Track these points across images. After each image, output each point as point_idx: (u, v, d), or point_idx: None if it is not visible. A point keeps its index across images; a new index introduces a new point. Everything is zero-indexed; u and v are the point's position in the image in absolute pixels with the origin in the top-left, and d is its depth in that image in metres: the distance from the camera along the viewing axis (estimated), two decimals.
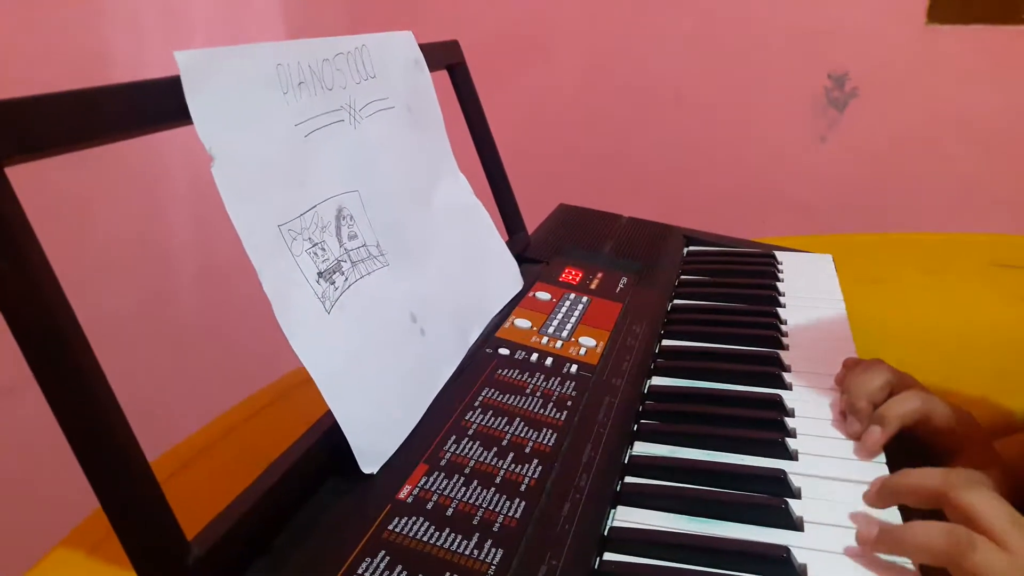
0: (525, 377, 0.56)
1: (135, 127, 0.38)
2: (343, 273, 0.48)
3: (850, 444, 0.52)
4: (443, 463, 0.45)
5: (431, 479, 0.44)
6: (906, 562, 0.41)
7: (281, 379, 0.75)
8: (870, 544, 0.41)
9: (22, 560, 0.50)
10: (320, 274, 0.46)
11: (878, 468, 0.49)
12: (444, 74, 0.75)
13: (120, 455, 0.32)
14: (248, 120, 0.42)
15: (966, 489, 0.39)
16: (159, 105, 0.38)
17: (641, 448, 0.52)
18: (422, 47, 0.66)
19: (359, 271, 0.50)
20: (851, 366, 0.58)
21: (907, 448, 0.53)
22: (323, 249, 0.47)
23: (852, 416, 0.53)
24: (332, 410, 0.43)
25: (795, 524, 0.44)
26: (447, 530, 0.40)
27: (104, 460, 0.32)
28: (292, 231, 0.44)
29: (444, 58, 0.74)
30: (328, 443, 0.44)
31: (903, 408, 0.52)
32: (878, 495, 0.44)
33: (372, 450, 0.44)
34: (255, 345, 1.29)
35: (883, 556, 0.41)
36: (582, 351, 0.61)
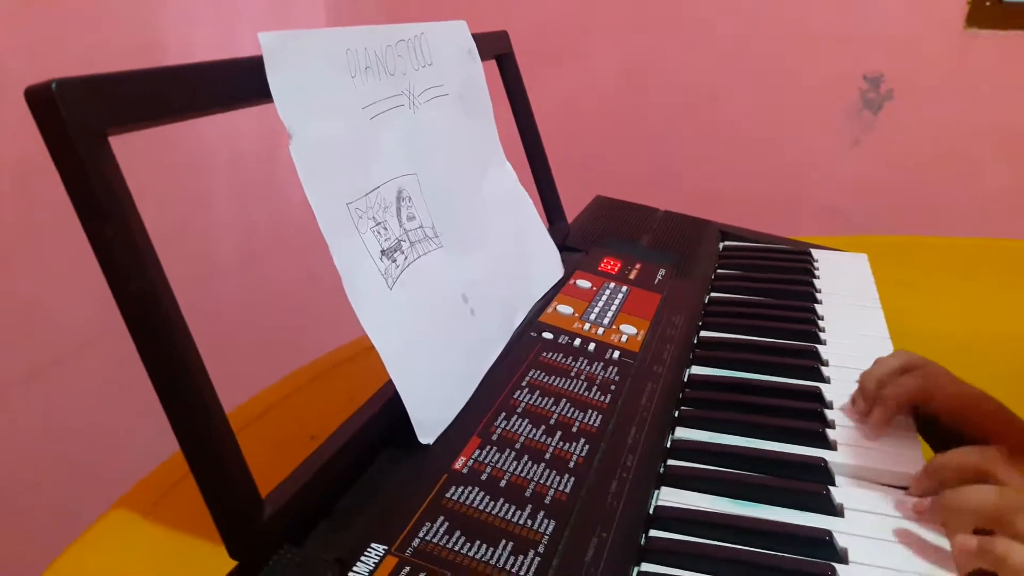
0: (569, 361, 0.57)
1: (220, 103, 0.39)
2: (403, 252, 0.50)
3: (889, 435, 0.53)
4: (495, 438, 0.47)
5: (484, 452, 0.46)
6: (943, 542, 0.42)
7: (319, 359, 0.77)
8: (925, 513, 0.43)
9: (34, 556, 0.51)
10: (383, 252, 0.47)
11: (915, 458, 0.50)
12: (489, 64, 0.76)
13: (207, 414, 0.34)
14: (322, 101, 0.44)
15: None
16: (242, 83, 0.40)
17: (683, 433, 0.53)
18: (473, 36, 0.67)
19: (417, 251, 0.51)
20: (881, 361, 0.59)
21: (942, 437, 0.54)
22: (385, 228, 0.48)
23: (859, 395, 0.55)
24: (394, 381, 0.44)
25: (836, 510, 0.45)
26: (501, 500, 0.42)
27: (194, 418, 0.34)
28: (359, 210, 0.46)
29: (494, 48, 0.76)
30: (386, 414, 0.46)
31: (899, 388, 0.53)
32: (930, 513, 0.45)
33: (429, 422, 0.46)
34: (294, 325, 1.32)
35: (923, 538, 0.43)
36: (623, 338, 0.62)
